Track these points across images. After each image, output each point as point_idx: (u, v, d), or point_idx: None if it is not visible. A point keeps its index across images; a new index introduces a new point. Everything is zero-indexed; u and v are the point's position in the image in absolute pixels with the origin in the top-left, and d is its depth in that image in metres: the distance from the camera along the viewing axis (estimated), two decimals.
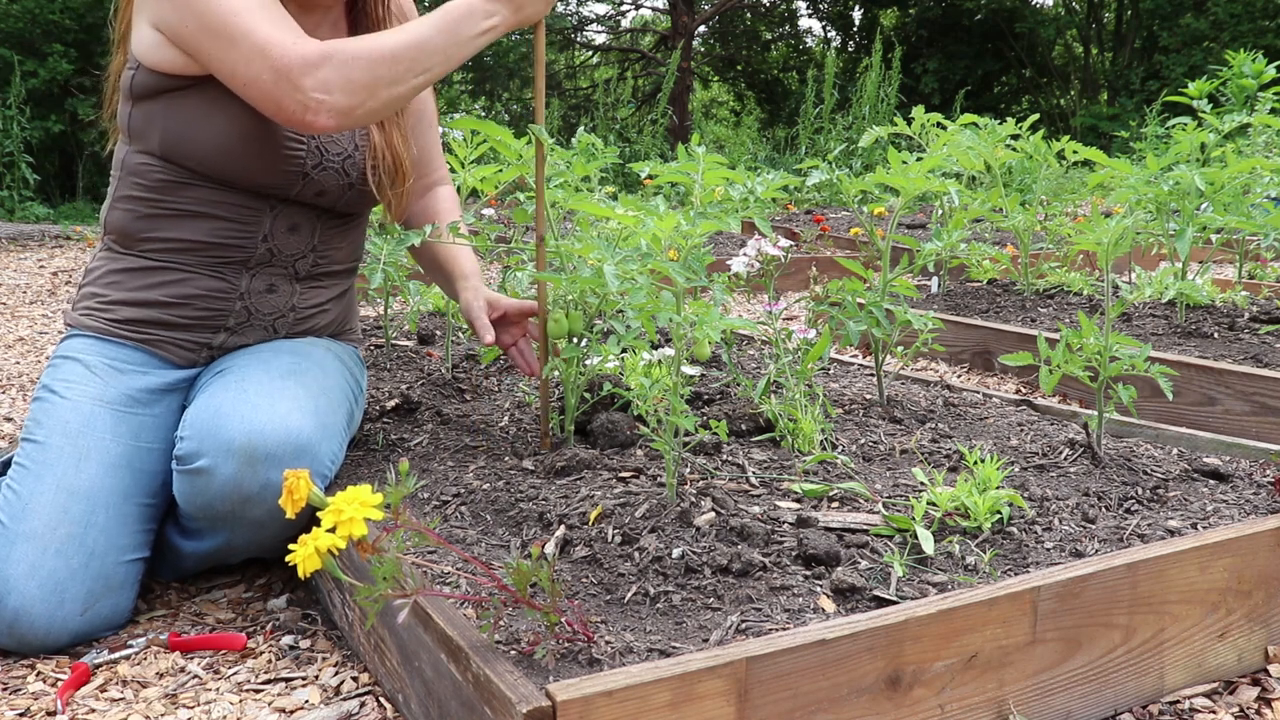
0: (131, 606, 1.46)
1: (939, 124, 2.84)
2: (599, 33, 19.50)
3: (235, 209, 1.57)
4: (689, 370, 2.07)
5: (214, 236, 1.57)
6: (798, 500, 1.42)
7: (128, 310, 1.57)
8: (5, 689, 1.29)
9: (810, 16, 25.96)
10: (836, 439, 1.71)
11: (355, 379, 1.72)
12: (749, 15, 19.50)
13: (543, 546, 1.28)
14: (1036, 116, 3.71)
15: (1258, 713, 1.20)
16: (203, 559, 1.54)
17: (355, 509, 0.90)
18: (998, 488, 1.38)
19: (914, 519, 1.31)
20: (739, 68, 20.00)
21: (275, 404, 1.42)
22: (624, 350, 1.98)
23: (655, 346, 2.04)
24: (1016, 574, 1.20)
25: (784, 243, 1.95)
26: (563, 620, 1.02)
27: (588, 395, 1.76)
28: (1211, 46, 13.06)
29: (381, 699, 1.24)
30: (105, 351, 1.55)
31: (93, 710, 1.24)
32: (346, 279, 1.79)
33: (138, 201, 1.57)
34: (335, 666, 1.33)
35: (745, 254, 1.95)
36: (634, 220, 1.33)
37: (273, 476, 1.38)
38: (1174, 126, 3.51)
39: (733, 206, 1.58)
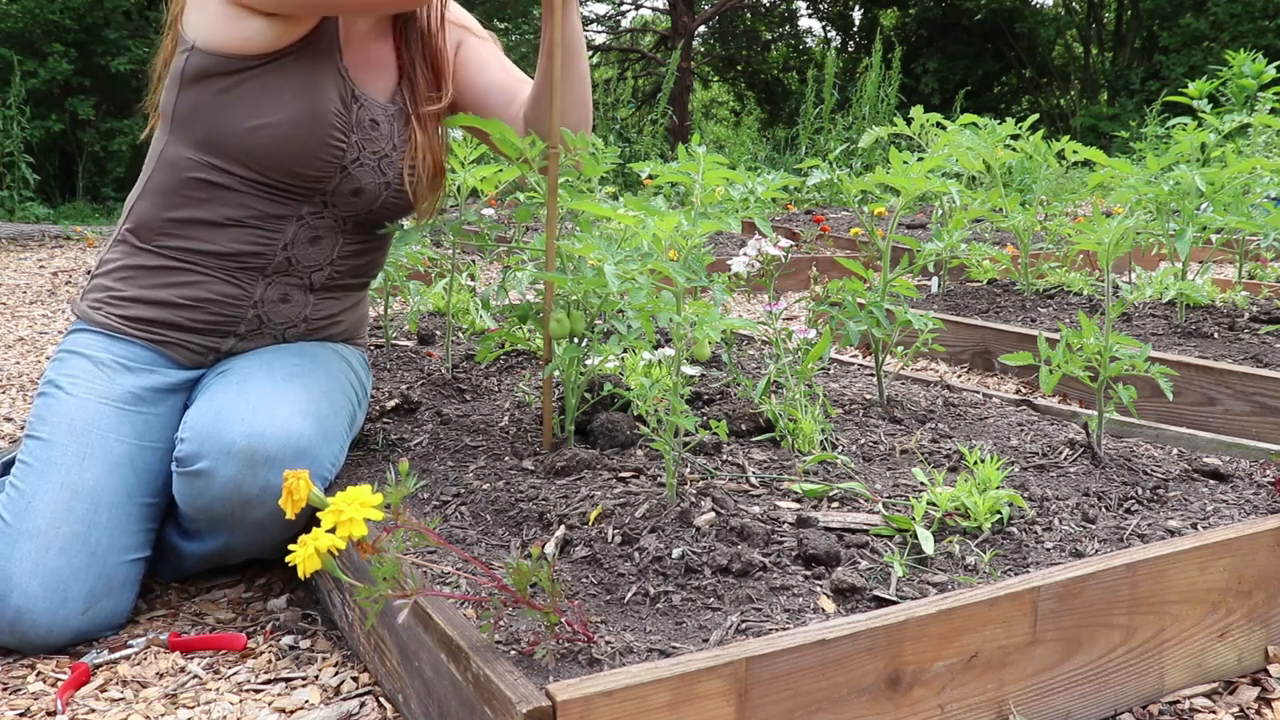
0: (132, 606, 1.46)
1: (939, 124, 2.85)
2: (599, 33, 19.51)
3: (262, 215, 1.56)
4: (689, 370, 2.07)
5: (237, 242, 1.56)
6: (798, 500, 1.42)
7: (139, 308, 1.57)
8: (5, 689, 1.29)
9: (810, 16, 25.98)
10: (836, 439, 1.71)
11: (360, 381, 1.72)
12: (749, 15, 19.50)
13: (543, 546, 1.28)
14: (1036, 116, 3.71)
15: (1258, 713, 1.20)
16: (202, 560, 1.54)
17: (355, 509, 0.90)
18: (998, 488, 1.38)
19: (914, 519, 1.31)
20: (739, 68, 20.00)
21: (276, 407, 1.42)
22: (624, 350, 1.98)
23: (655, 346, 2.04)
24: (1016, 574, 1.20)
25: (784, 243, 1.95)
26: (563, 620, 1.02)
27: (588, 395, 1.76)
28: (1211, 46, 13.06)
29: (381, 699, 1.24)
30: (112, 348, 1.55)
31: (93, 710, 1.24)
32: (360, 291, 1.80)
33: (168, 194, 1.56)
34: (335, 666, 1.33)
35: (745, 254, 1.95)
36: (635, 220, 1.33)
37: (272, 479, 1.38)
38: (1174, 126, 3.51)
39: (733, 206, 1.58)
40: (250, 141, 1.51)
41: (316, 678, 1.30)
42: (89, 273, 1.66)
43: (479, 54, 1.75)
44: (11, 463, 1.58)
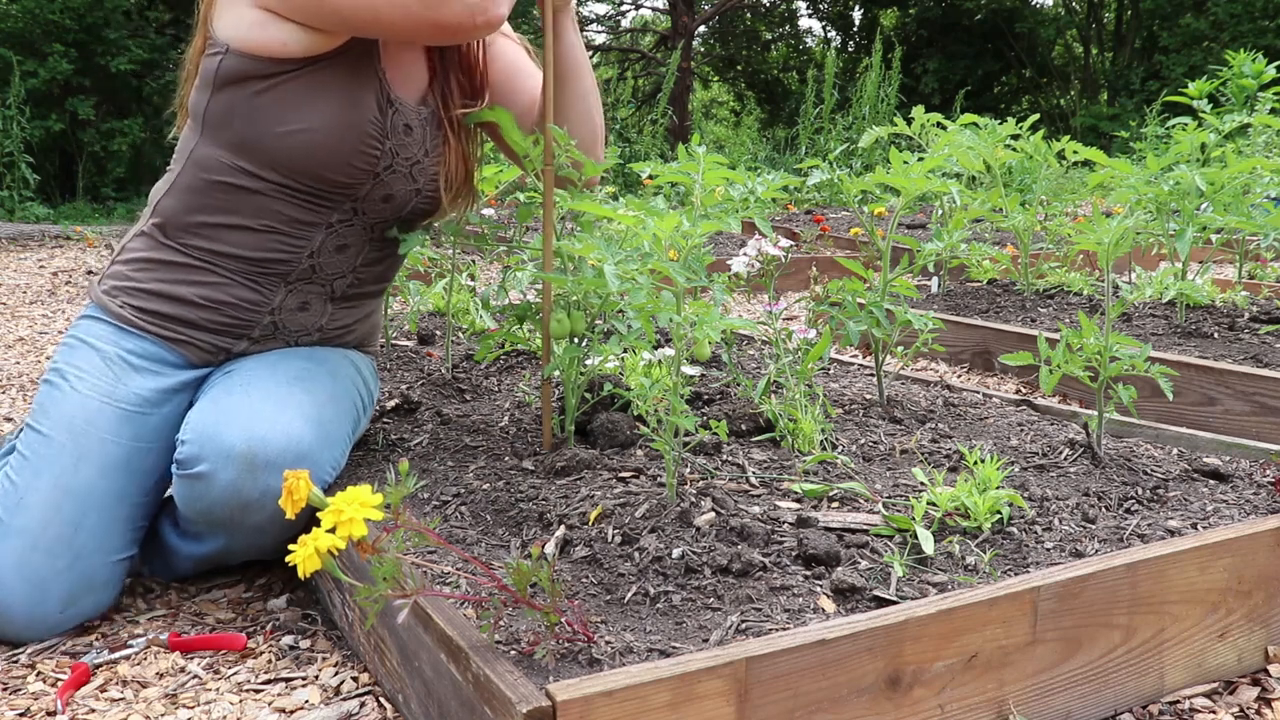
0: (113, 601, 1.48)
1: (939, 124, 2.84)
2: (599, 33, 19.52)
3: (291, 220, 1.55)
4: (689, 370, 2.07)
5: (262, 248, 1.55)
6: (798, 500, 1.42)
7: (155, 301, 1.56)
8: (5, 689, 1.29)
9: (810, 16, 25.99)
10: (836, 439, 1.71)
11: (367, 387, 1.71)
12: (749, 15, 19.51)
13: (543, 546, 1.28)
14: (1036, 116, 3.71)
15: (1258, 713, 1.20)
16: (201, 561, 1.54)
17: (355, 509, 0.90)
18: (998, 488, 1.38)
19: (914, 519, 1.31)
20: (739, 68, 20.01)
21: (278, 411, 1.42)
22: (624, 350, 1.98)
23: (655, 346, 2.04)
24: (1016, 574, 1.20)
25: (784, 243, 1.95)
26: (563, 620, 1.02)
27: (588, 395, 1.76)
28: (1211, 46, 13.06)
29: (381, 699, 1.24)
30: (121, 342, 1.54)
31: (93, 710, 1.24)
32: (377, 299, 1.79)
33: (195, 194, 1.54)
34: (335, 666, 1.33)
35: (745, 254, 1.95)
36: (635, 221, 1.33)
37: (272, 483, 1.38)
38: (1174, 126, 3.51)
39: (733, 207, 1.58)
40: (284, 146, 1.49)
41: (316, 678, 1.30)
42: (90, 272, 1.66)
43: (510, 58, 1.73)
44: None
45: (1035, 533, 1.33)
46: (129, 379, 1.52)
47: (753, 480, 1.48)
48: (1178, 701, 1.22)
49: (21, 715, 1.23)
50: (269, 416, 1.40)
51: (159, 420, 1.52)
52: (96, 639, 1.42)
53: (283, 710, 1.22)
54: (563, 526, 1.32)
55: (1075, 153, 3.06)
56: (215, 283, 1.56)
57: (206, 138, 1.53)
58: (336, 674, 1.31)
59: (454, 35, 1.45)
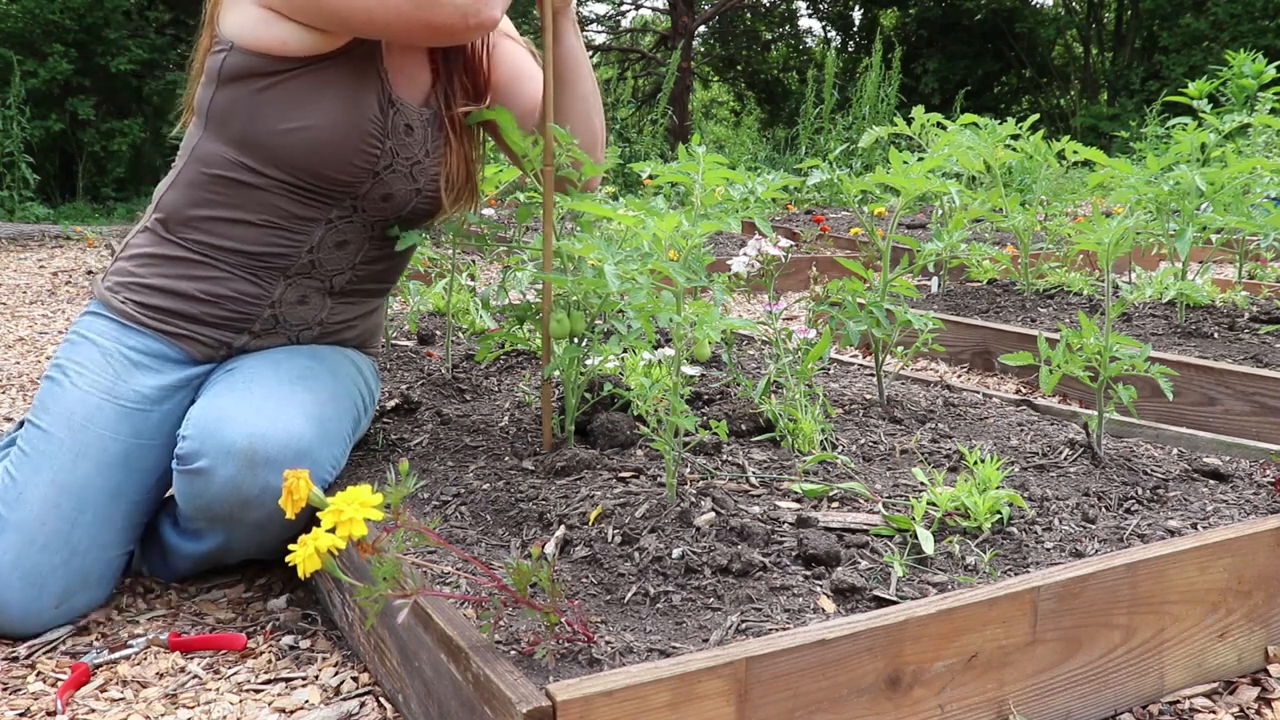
0: (108, 596, 1.49)
1: (939, 124, 2.84)
2: (599, 33, 19.52)
3: (291, 216, 1.55)
4: (689, 370, 2.07)
5: (262, 243, 1.55)
6: (798, 500, 1.42)
7: (157, 296, 1.56)
8: (5, 689, 1.29)
9: (810, 16, 25.99)
10: (836, 439, 1.71)
11: (368, 388, 1.71)
12: (749, 15, 19.52)
13: (543, 546, 1.28)
14: (1036, 116, 3.71)
15: (1258, 713, 1.20)
16: (201, 560, 1.54)
17: (355, 509, 0.90)
18: (998, 488, 1.38)
19: (914, 519, 1.31)
20: (739, 68, 20.02)
21: (279, 409, 1.42)
22: (624, 350, 1.98)
23: (655, 346, 2.04)
24: (1016, 574, 1.20)
25: (784, 243, 1.95)
26: (563, 620, 1.02)
27: (588, 395, 1.76)
28: (1211, 46, 13.06)
29: (381, 699, 1.24)
30: (123, 339, 1.54)
31: (93, 710, 1.24)
32: (379, 298, 1.79)
33: (197, 189, 1.55)
34: (335, 666, 1.33)
35: (745, 254, 1.95)
36: (635, 221, 1.33)
37: (272, 480, 1.38)
38: (1174, 126, 3.51)
39: (733, 207, 1.58)
40: (284, 143, 1.49)
41: (316, 678, 1.30)
42: (90, 271, 1.67)
43: (513, 61, 1.73)
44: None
45: (1035, 533, 1.33)
46: (129, 376, 1.52)
47: (753, 480, 1.48)
48: (1178, 701, 1.22)
49: (21, 715, 1.23)
50: (270, 413, 1.41)
51: (159, 417, 1.53)
52: (96, 639, 1.43)
53: (283, 710, 1.22)
54: (563, 526, 1.32)
55: (1075, 153, 3.06)
56: (215, 277, 1.56)
57: (209, 133, 1.54)
58: (336, 674, 1.31)
59: (448, 37, 1.45)
